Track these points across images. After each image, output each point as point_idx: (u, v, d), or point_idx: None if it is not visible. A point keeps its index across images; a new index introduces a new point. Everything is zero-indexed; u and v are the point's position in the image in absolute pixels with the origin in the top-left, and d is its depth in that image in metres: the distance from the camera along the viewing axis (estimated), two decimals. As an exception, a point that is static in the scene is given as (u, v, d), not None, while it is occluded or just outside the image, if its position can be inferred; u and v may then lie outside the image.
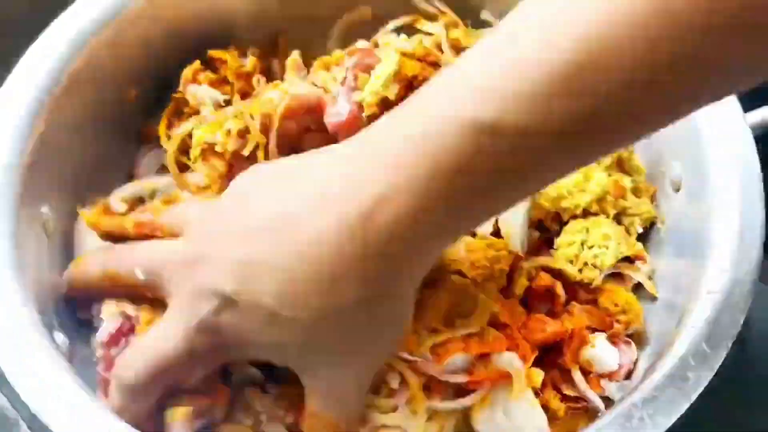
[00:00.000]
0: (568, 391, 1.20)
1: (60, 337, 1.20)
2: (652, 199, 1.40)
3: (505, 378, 1.11)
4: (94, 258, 1.15)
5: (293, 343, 0.88)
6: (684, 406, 1.04)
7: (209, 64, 1.49)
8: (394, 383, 1.04)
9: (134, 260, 1.05)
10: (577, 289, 1.28)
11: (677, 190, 1.36)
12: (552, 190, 1.26)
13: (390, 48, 1.28)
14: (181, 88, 1.46)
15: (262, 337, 0.89)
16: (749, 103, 1.31)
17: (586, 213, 1.31)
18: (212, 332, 0.91)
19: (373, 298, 0.84)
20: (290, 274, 0.82)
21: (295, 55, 1.43)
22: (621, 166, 1.40)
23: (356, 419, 0.99)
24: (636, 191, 1.38)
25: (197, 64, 1.47)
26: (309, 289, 0.82)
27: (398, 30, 1.47)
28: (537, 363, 1.17)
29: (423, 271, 0.88)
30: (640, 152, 1.44)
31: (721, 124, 1.30)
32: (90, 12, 1.39)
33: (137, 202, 1.37)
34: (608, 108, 0.74)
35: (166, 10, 1.46)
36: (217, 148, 1.27)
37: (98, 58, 1.40)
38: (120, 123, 1.48)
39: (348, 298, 0.83)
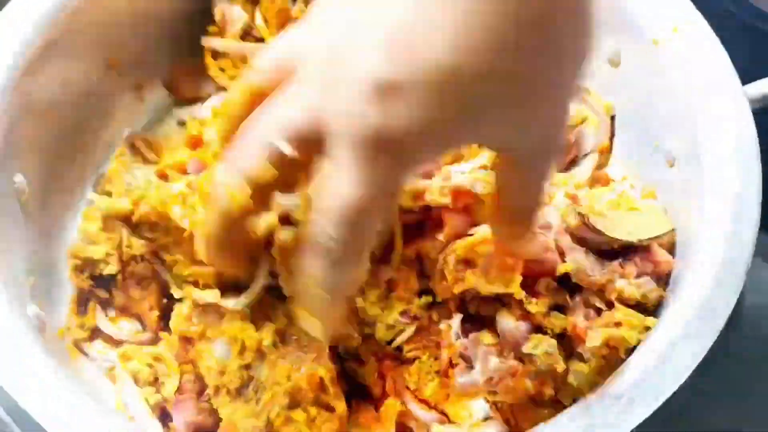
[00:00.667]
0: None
1: (33, 309, 1.20)
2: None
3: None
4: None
5: (488, 94, 0.77)
6: (671, 389, 1.02)
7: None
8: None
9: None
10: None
11: (671, 165, 1.34)
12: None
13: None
14: None
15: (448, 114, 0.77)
16: (749, 75, 1.29)
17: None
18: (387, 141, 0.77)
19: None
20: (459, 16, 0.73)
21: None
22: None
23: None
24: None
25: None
26: (485, 22, 0.73)
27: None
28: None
29: None
30: (633, 126, 1.42)
31: (717, 98, 1.27)
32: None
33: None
34: None
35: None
36: None
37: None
38: (100, 88, 1.46)
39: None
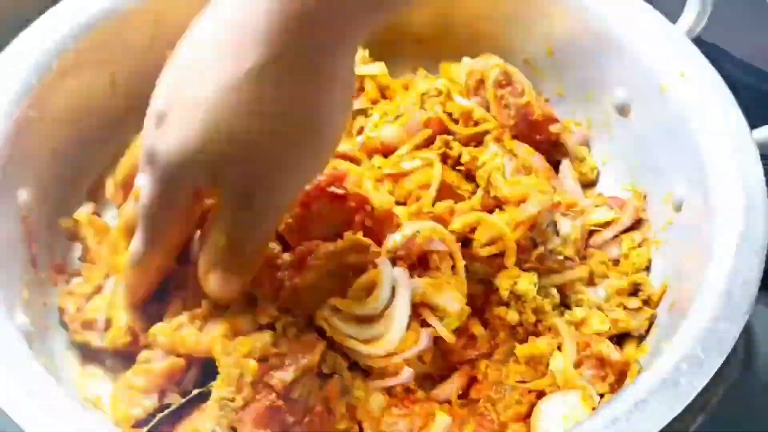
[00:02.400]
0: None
1: (21, 318, 1.24)
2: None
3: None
4: None
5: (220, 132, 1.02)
6: (675, 411, 1.04)
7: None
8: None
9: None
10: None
11: (678, 209, 1.39)
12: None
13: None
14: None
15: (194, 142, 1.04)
16: (757, 118, 1.36)
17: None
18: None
19: (282, 58, 0.97)
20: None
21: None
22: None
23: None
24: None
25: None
26: (216, 57, 1.02)
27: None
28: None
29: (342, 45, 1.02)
30: (644, 170, 1.50)
31: (726, 141, 1.34)
32: (87, 4, 1.47)
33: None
34: None
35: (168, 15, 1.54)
36: None
37: (90, 50, 1.47)
38: (106, 109, 1.54)
39: (254, 58, 0.98)
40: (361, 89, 1.61)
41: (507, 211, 1.37)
